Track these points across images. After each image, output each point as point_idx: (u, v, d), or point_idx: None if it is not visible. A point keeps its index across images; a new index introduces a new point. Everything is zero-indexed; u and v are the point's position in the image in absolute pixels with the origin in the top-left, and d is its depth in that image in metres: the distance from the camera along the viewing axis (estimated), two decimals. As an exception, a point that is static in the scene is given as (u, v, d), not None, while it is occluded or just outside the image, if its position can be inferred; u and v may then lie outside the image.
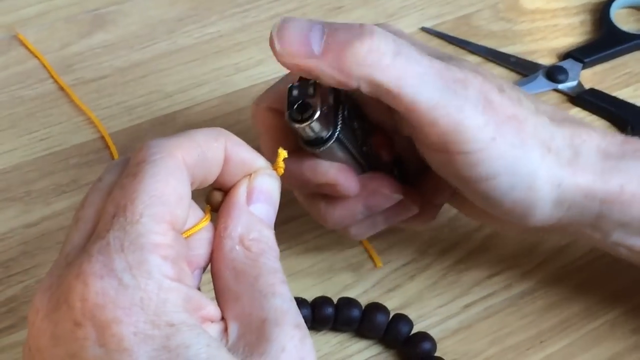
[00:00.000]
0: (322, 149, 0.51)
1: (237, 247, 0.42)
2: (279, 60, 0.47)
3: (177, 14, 0.80)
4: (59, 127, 0.71)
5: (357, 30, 0.47)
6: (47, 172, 0.67)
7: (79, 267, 0.37)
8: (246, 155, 0.44)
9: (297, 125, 0.49)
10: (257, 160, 0.45)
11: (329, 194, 0.54)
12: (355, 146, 0.53)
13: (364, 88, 0.47)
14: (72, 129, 0.71)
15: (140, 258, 0.37)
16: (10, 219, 0.64)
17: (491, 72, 0.52)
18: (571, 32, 0.81)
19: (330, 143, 0.50)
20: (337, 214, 0.55)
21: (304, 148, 0.51)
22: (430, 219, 0.58)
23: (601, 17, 0.81)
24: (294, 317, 0.40)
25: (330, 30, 0.47)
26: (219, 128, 0.44)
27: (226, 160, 0.43)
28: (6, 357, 0.57)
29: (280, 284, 0.41)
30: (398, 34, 0.53)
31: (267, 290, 0.41)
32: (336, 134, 0.50)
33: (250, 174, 0.44)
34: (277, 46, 0.47)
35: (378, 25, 0.54)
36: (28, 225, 0.64)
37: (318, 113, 0.48)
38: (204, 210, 0.44)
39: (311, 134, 0.49)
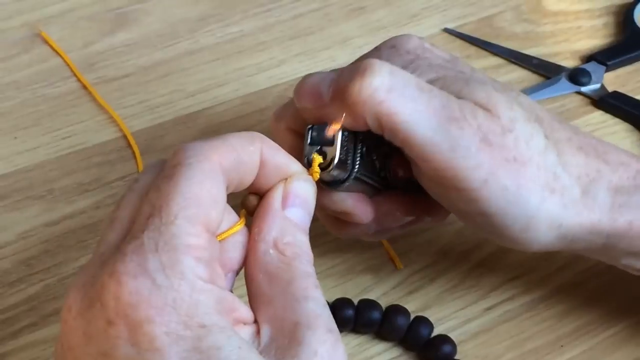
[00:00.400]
0: (339, 188, 0.51)
1: (271, 251, 0.42)
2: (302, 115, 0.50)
3: (200, 13, 0.80)
4: (82, 125, 0.71)
5: (356, 69, 0.47)
6: (69, 171, 0.68)
7: (112, 266, 0.38)
8: (282, 160, 0.45)
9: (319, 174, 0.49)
10: (293, 165, 0.45)
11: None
12: (373, 176, 0.53)
13: (372, 126, 0.48)
14: (94, 127, 0.71)
15: (173, 259, 0.38)
16: (32, 217, 0.65)
17: (510, 99, 0.50)
18: (594, 35, 0.80)
19: (348, 184, 0.50)
20: (350, 231, 0.56)
21: (321, 186, 0.51)
22: (442, 218, 0.58)
23: (624, 20, 0.81)
24: (327, 321, 0.41)
25: (337, 75, 0.48)
26: (255, 132, 0.44)
27: (262, 165, 0.44)
28: (28, 354, 0.58)
29: (313, 288, 0.41)
30: (413, 48, 0.53)
31: (300, 294, 0.41)
32: (354, 174, 0.50)
33: (286, 179, 0.45)
34: (296, 103, 0.50)
35: (401, 36, 0.54)
36: (50, 224, 0.64)
37: (336, 161, 0.48)
38: (239, 215, 0.44)
39: (329, 178, 0.49)
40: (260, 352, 0.39)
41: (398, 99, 0.47)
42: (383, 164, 0.53)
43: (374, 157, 0.52)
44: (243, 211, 0.45)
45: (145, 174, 0.43)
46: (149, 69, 0.75)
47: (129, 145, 0.69)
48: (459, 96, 0.49)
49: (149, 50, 0.77)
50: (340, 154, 0.48)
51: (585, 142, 0.52)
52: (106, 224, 0.42)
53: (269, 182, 0.45)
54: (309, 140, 0.49)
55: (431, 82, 0.50)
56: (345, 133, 0.49)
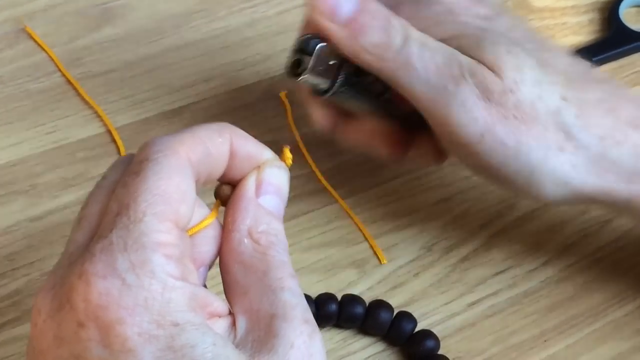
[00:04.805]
0: (324, 97, 0.54)
1: (246, 240, 0.42)
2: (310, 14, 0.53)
3: (185, 8, 0.80)
4: (66, 120, 0.71)
5: (377, 19, 0.51)
6: (53, 166, 0.67)
7: (81, 266, 0.37)
8: (253, 149, 0.44)
9: (292, 79, 0.53)
10: (265, 153, 0.44)
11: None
12: (371, 95, 0.56)
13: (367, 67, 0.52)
14: (79, 122, 0.71)
15: (143, 257, 0.37)
16: (15, 212, 0.64)
17: (522, 62, 0.52)
18: (580, 31, 0.80)
19: (331, 93, 0.53)
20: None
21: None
22: (442, 160, 0.60)
23: (610, 16, 0.81)
24: (303, 312, 0.40)
25: (362, 5, 0.51)
26: (223, 123, 0.43)
27: (232, 155, 0.43)
28: (10, 349, 0.58)
29: (289, 278, 0.41)
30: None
31: (275, 285, 0.40)
32: (335, 85, 0.53)
33: (258, 167, 0.44)
34: (311, 12, 0.52)
35: None
36: (33, 219, 0.64)
37: (307, 71, 0.52)
38: (209, 208, 0.44)
39: (309, 85, 0.53)
40: (237, 345, 0.39)
41: (406, 57, 0.51)
42: (384, 89, 0.55)
43: (370, 79, 0.54)
44: (217, 202, 0.44)
45: (112, 170, 0.42)
46: (134, 64, 0.75)
47: (114, 141, 0.69)
48: (470, 54, 0.51)
49: (134, 45, 0.77)
50: (316, 63, 0.52)
51: (620, 105, 0.53)
52: (74, 222, 0.41)
53: (241, 171, 0.44)
54: (294, 46, 0.53)
55: (447, 37, 0.52)
56: (325, 44, 0.52)
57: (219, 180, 0.44)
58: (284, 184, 0.45)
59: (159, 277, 0.37)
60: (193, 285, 0.38)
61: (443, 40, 0.52)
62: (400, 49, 0.50)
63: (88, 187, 0.64)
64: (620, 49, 0.78)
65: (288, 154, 0.46)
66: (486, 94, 0.50)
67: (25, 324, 0.58)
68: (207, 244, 0.43)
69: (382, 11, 0.52)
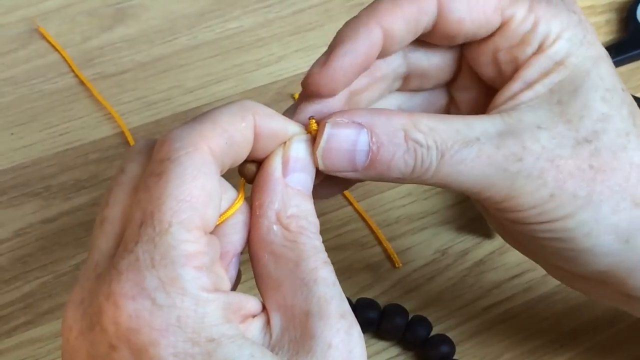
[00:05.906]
0: None
1: (275, 227, 0.40)
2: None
3: (199, 8, 0.80)
4: (79, 121, 0.71)
5: (401, 144, 0.42)
6: (66, 167, 0.67)
7: (108, 285, 0.36)
8: (277, 126, 0.41)
9: None
10: (290, 128, 0.42)
11: None
12: None
13: None
14: (92, 123, 0.70)
15: (172, 274, 0.35)
16: (28, 214, 0.64)
17: (600, 114, 0.44)
18: (596, 32, 0.79)
19: None
20: None
21: None
22: None
23: (627, 17, 0.80)
24: (338, 305, 0.39)
25: (375, 145, 0.42)
26: (244, 101, 0.40)
27: (257, 136, 0.40)
28: (23, 352, 0.58)
29: (322, 267, 0.39)
30: None
31: (309, 278, 0.39)
32: None
33: (284, 143, 0.42)
34: (321, 165, 0.43)
35: None
36: (46, 221, 0.64)
37: None
38: (236, 186, 0.41)
39: None
40: (273, 346, 0.38)
41: (448, 167, 0.43)
42: None
43: None
44: (242, 183, 0.42)
45: (131, 163, 0.40)
46: (147, 64, 0.75)
47: (127, 142, 0.69)
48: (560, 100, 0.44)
49: (147, 46, 0.76)
50: None
51: None
52: (96, 224, 0.39)
53: (267, 149, 0.41)
54: None
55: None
56: None
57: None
58: (311, 157, 0.43)
59: (190, 292, 0.36)
60: (225, 293, 0.37)
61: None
62: (437, 165, 0.42)
63: (101, 189, 0.65)
64: (637, 51, 0.77)
65: (314, 125, 0.43)
66: (555, 151, 0.42)
67: (38, 327, 0.58)
68: (237, 231, 0.41)
69: (395, 127, 0.43)
